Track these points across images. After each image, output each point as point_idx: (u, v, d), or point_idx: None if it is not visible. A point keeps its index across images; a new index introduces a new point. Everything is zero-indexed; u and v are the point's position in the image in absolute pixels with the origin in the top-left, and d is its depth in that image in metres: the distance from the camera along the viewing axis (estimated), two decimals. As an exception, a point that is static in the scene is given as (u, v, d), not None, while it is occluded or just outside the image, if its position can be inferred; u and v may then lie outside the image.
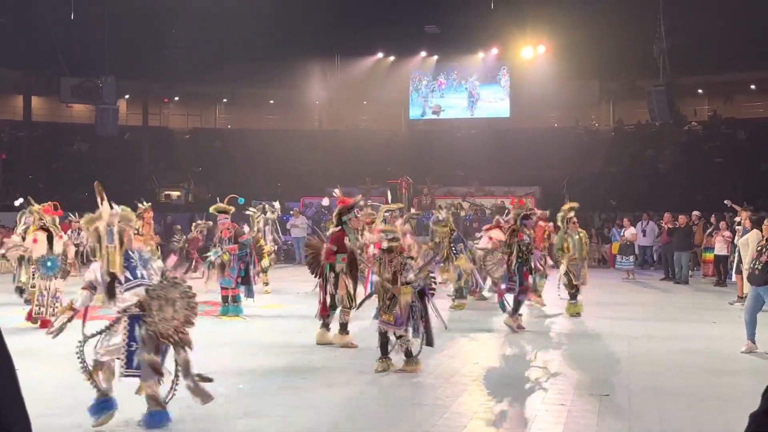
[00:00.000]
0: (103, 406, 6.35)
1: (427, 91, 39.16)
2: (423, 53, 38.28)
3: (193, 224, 19.55)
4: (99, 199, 6.63)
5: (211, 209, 13.84)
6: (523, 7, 31.25)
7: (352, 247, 10.12)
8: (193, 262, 18.49)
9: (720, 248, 18.60)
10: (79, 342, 6.33)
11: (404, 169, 30.68)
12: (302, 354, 9.78)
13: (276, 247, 19.85)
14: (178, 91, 39.07)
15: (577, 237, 13.57)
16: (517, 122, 37.66)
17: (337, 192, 12.13)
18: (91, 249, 6.59)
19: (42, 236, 12.02)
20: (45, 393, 7.17)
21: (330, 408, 7.17)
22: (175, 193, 35.31)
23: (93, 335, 6.37)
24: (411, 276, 8.48)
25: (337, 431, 6.47)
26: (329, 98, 37.74)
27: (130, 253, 6.53)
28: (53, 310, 11.12)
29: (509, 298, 11.86)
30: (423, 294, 8.61)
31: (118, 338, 6.27)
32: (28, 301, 12.32)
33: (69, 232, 19.01)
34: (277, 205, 19.87)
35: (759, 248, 10.14)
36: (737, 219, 16.56)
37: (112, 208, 6.61)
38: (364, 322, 10.25)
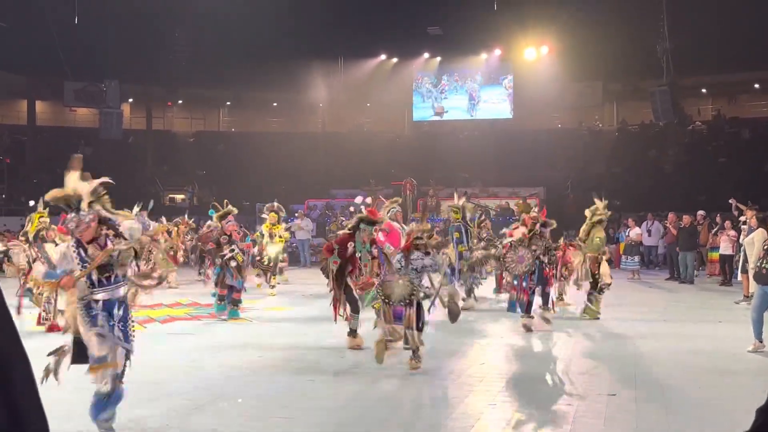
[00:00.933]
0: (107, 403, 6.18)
1: (430, 92, 39.20)
2: (426, 55, 38.32)
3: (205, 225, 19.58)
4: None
5: (215, 218, 13.77)
6: (525, 8, 31.28)
7: (349, 257, 10.01)
8: (206, 263, 18.53)
9: (725, 247, 18.58)
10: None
11: (408, 171, 30.68)
12: (308, 355, 9.78)
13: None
14: (181, 94, 39.14)
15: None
16: (521, 123, 37.66)
17: (368, 200, 12.11)
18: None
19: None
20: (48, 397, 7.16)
21: (336, 409, 7.16)
22: (179, 197, 35.35)
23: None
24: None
25: (344, 432, 6.46)
26: (332, 100, 37.77)
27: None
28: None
29: (534, 296, 11.94)
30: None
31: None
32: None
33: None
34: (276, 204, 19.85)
35: (765, 247, 10.12)
36: (742, 218, 16.53)
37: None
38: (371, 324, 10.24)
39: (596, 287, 12.96)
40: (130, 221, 6.49)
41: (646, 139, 35.26)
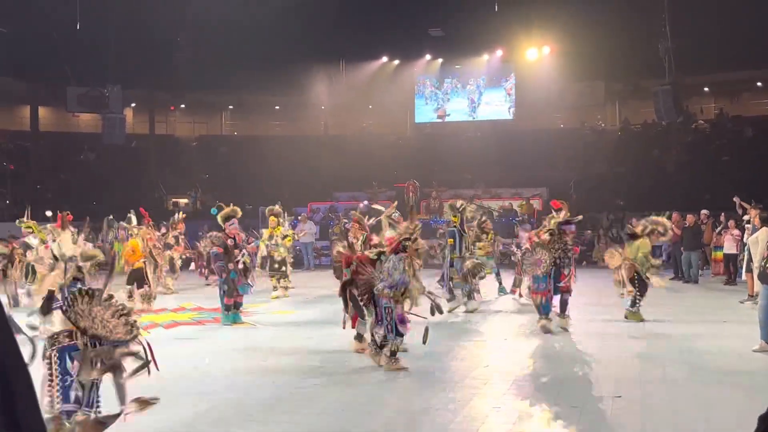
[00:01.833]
0: None
1: (434, 94, 39.23)
2: (428, 56, 38.29)
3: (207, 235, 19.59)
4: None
5: (219, 218, 13.72)
6: (527, 9, 31.26)
7: (368, 278, 9.80)
8: (205, 270, 18.58)
9: (729, 247, 18.53)
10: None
11: (411, 172, 30.65)
12: (312, 359, 9.77)
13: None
14: (184, 98, 39.18)
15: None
16: (523, 124, 37.61)
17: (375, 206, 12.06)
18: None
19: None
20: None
21: (340, 413, 7.15)
22: (182, 201, 35.36)
23: None
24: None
25: (349, 436, 6.45)
26: (335, 103, 37.75)
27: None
28: None
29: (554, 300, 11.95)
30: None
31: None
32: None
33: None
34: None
35: (770, 246, 10.09)
36: (746, 217, 16.48)
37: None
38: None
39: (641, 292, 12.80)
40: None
41: (649, 138, 35.19)
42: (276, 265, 17.04)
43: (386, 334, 8.89)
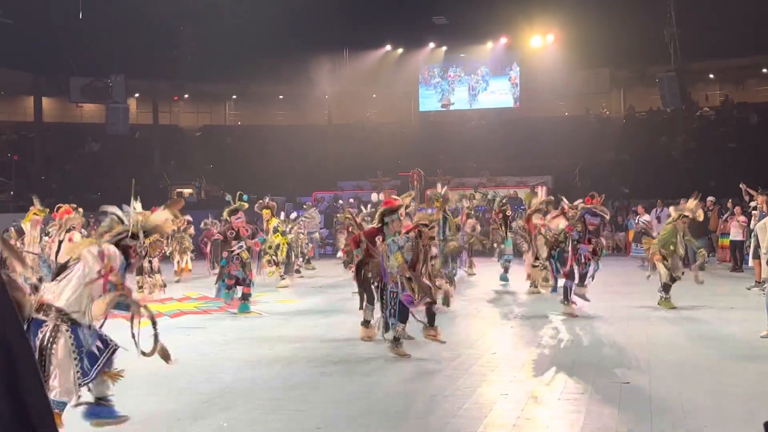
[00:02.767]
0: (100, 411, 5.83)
1: (439, 84, 39.14)
2: (431, 44, 38.15)
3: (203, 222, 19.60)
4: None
5: (225, 213, 13.67)
6: (531, -4, 31.17)
7: (375, 253, 9.75)
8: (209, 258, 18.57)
9: (735, 233, 18.48)
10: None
11: (415, 161, 30.61)
12: (319, 348, 9.76)
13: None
14: (187, 89, 39.09)
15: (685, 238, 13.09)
16: (528, 112, 37.52)
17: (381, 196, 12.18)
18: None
19: (78, 237, 12.01)
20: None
21: (349, 401, 7.14)
22: (186, 191, 35.37)
23: None
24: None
25: (356, 424, 6.43)
26: (338, 92, 37.66)
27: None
28: None
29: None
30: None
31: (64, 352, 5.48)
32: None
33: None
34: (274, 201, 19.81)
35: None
36: (752, 203, 16.43)
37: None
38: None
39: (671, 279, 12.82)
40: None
41: (654, 125, 35.08)
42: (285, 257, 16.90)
43: (389, 319, 8.89)
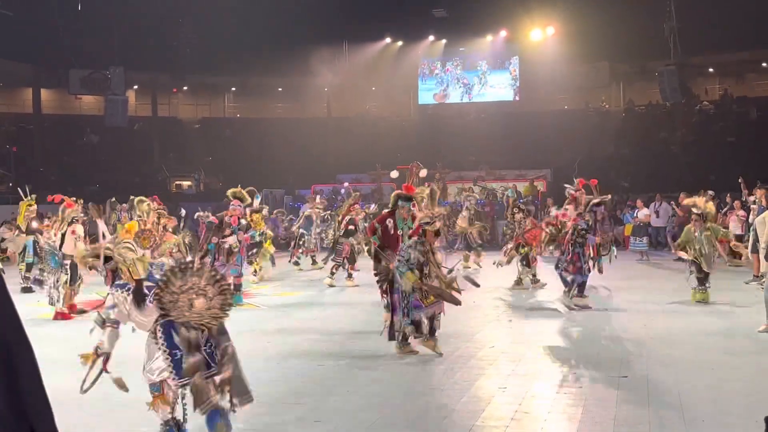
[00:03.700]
0: None
1: (436, 77, 39.12)
2: (431, 37, 38.12)
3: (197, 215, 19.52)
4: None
5: (229, 192, 13.66)
6: (531, -11, 31.12)
7: (391, 236, 9.87)
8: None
9: (735, 227, 18.44)
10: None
11: (415, 154, 30.37)
12: (319, 341, 9.76)
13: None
14: (187, 81, 39.08)
15: (703, 234, 12.99)
16: (527, 105, 37.50)
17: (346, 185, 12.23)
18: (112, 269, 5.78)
19: (80, 229, 11.99)
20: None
21: (347, 395, 7.15)
22: (185, 183, 35.37)
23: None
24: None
25: (354, 418, 6.44)
26: (338, 85, 37.63)
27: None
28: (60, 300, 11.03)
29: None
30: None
31: (158, 352, 5.39)
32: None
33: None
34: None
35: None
36: (751, 198, 16.41)
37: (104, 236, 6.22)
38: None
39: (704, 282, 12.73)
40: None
41: (654, 119, 35.08)
42: (254, 249, 16.54)
43: (401, 320, 8.76)
